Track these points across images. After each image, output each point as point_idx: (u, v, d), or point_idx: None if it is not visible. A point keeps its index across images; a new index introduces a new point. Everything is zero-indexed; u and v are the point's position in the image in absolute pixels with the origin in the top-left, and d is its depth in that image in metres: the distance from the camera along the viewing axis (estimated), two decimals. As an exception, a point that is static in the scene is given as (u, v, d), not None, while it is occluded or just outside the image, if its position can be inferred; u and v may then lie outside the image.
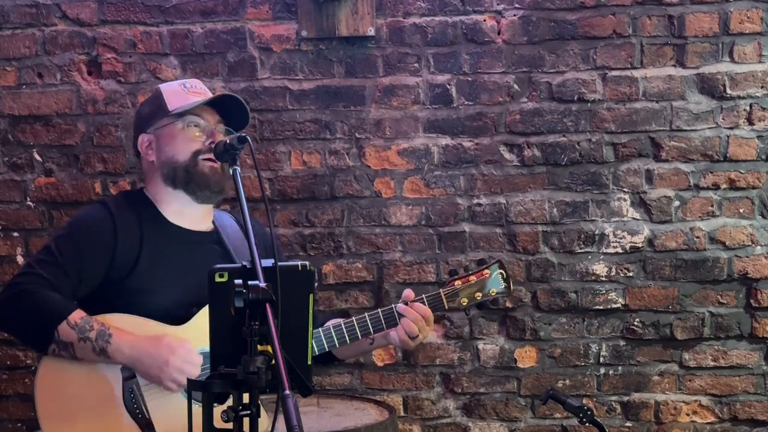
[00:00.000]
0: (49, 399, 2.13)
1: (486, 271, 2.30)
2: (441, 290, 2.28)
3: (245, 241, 2.31)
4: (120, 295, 2.16)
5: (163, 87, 2.33)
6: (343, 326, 2.23)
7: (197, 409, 1.65)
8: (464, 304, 2.29)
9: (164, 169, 2.26)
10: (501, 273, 2.31)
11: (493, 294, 2.31)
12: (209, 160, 2.21)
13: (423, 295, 2.26)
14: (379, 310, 2.24)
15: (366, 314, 2.24)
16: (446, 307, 2.28)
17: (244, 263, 1.66)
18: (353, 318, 2.24)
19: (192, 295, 2.12)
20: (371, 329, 2.23)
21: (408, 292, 2.25)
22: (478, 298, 2.29)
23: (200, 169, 2.22)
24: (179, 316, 2.15)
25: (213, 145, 2.17)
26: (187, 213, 2.29)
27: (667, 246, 3.27)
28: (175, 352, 2.08)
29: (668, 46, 3.23)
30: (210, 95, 2.31)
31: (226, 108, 2.30)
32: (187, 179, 2.24)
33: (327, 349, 2.24)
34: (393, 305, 2.24)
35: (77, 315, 2.10)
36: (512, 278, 2.40)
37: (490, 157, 3.29)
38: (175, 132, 2.25)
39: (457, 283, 2.29)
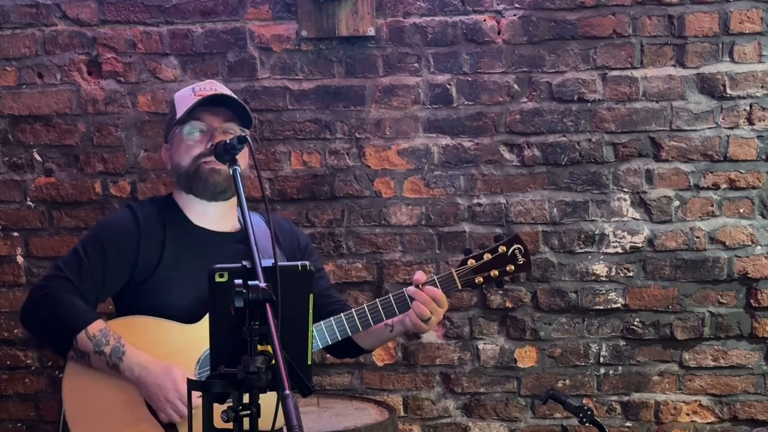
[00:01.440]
0: (75, 398, 2.20)
1: (502, 247, 2.22)
2: (453, 270, 2.23)
3: (270, 240, 2.35)
4: (141, 295, 2.22)
5: (177, 94, 2.37)
6: (354, 314, 2.23)
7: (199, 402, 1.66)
8: (479, 282, 2.21)
9: (174, 175, 2.33)
10: (519, 248, 2.22)
11: (511, 270, 2.22)
12: (210, 161, 2.22)
13: (434, 277, 2.22)
14: (390, 295, 2.22)
15: (377, 300, 2.23)
16: (459, 288, 2.22)
17: (244, 263, 1.66)
18: (365, 305, 2.23)
19: None
20: (383, 315, 2.22)
21: (419, 275, 2.21)
22: (495, 275, 2.22)
23: (200, 172, 2.25)
24: (199, 315, 2.18)
25: (213, 147, 2.18)
26: (209, 214, 2.31)
27: (667, 246, 3.27)
28: (177, 386, 2.11)
29: (668, 46, 3.23)
30: (220, 91, 2.30)
31: (234, 107, 2.30)
32: (190, 184, 2.28)
33: (339, 338, 2.23)
34: (404, 289, 2.21)
35: (96, 326, 2.17)
36: (531, 253, 2.29)
37: (490, 157, 3.29)
38: (181, 138, 2.28)
39: (471, 262, 2.22)
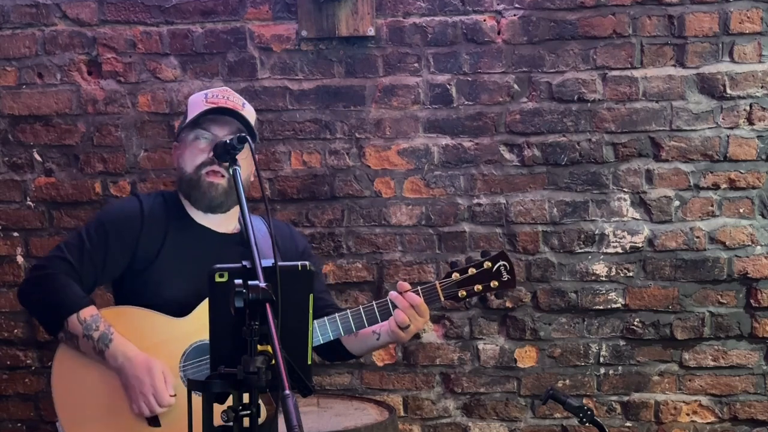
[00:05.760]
0: (64, 384, 2.24)
1: (487, 263, 2.28)
2: (437, 282, 2.27)
3: (269, 242, 2.37)
4: (138, 284, 2.28)
5: (192, 97, 2.41)
6: (337, 318, 2.27)
7: (197, 400, 1.66)
8: (462, 296, 2.26)
9: (177, 177, 2.38)
10: (504, 265, 2.28)
11: (495, 286, 2.28)
12: (212, 173, 2.27)
13: (418, 287, 2.26)
14: (374, 302, 2.27)
15: (360, 306, 2.28)
16: (442, 299, 2.27)
17: (244, 263, 1.67)
18: (347, 310, 2.28)
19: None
20: (365, 322, 2.26)
21: (402, 284, 2.26)
22: (478, 290, 2.27)
23: (200, 183, 2.29)
24: (191, 309, 2.22)
25: (212, 151, 2.23)
26: (210, 215, 2.36)
27: (667, 246, 3.27)
28: (154, 382, 2.14)
29: (668, 46, 3.23)
30: (229, 105, 2.32)
31: (244, 119, 2.33)
32: (188, 190, 2.33)
33: (322, 340, 2.27)
34: (387, 297, 2.26)
35: (88, 311, 2.22)
36: (516, 270, 2.35)
37: (490, 157, 3.29)
38: (187, 143, 2.33)
39: (455, 275, 2.28)
